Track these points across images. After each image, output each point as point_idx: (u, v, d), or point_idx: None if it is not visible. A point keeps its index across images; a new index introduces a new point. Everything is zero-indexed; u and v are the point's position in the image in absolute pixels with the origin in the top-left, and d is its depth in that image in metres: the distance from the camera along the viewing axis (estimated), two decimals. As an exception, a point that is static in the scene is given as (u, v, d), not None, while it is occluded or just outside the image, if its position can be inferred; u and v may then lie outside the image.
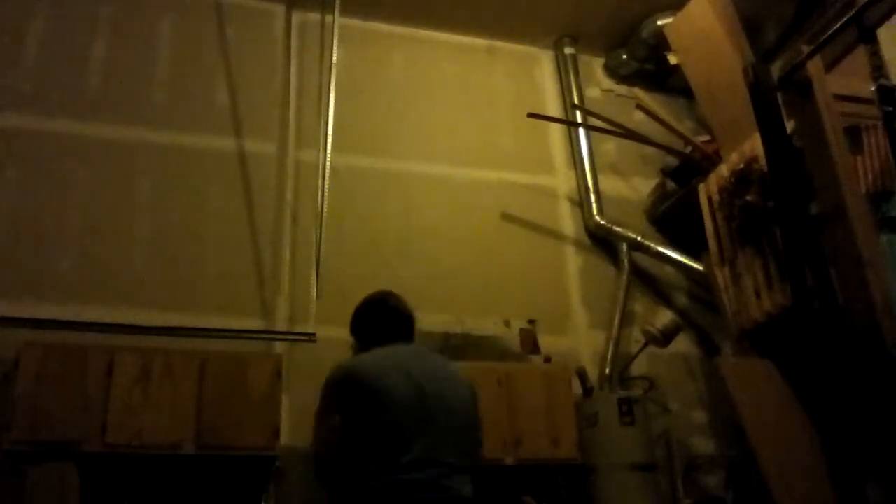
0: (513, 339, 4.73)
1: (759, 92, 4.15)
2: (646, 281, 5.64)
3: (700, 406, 5.34)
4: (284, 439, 4.18)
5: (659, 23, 5.76)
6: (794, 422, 4.09)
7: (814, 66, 4.02)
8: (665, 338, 4.92)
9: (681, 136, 5.51)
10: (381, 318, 3.11)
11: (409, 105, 5.71)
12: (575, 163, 5.85)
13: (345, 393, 2.81)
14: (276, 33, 5.61)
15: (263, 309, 4.79)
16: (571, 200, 5.78)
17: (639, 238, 5.52)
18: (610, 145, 5.99)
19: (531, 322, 4.90)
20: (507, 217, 5.54)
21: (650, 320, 5.17)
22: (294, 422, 4.32)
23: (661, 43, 5.75)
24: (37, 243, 4.55)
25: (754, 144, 4.39)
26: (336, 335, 4.69)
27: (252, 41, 5.51)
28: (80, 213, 4.71)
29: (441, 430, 2.69)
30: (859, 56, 3.91)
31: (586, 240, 5.66)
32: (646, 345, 5.01)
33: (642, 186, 5.94)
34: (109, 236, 4.70)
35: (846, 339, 3.72)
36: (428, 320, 4.58)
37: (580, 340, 5.30)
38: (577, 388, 4.80)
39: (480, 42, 6.13)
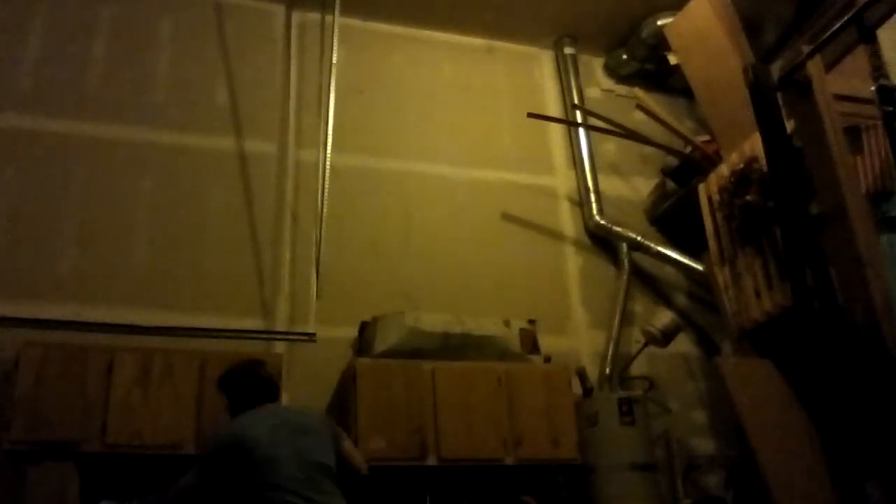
0: (513, 339, 4.72)
1: (759, 92, 4.15)
2: (646, 281, 5.64)
3: (700, 406, 5.34)
4: (284, 439, 4.16)
5: (659, 23, 5.77)
6: (794, 422, 4.09)
7: (814, 66, 4.02)
8: (665, 338, 4.92)
9: (681, 136, 5.51)
10: (254, 387, 3.43)
11: (409, 105, 5.71)
12: (575, 163, 5.86)
13: (230, 458, 3.10)
14: (276, 33, 5.61)
15: (263, 309, 4.80)
16: (571, 200, 5.78)
17: (639, 238, 5.52)
18: (610, 145, 5.99)
19: (531, 322, 4.90)
20: (507, 217, 5.54)
21: (650, 320, 5.17)
22: (294, 422, 4.32)
23: (661, 43, 5.76)
24: (37, 243, 4.55)
25: (754, 144, 4.39)
26: (336, 335, 4.72)
27: (252, 41, 5.52)
28: (80, 213, 4.71)
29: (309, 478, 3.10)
30: (859, 56, 3.91)
31: (586, 240, 5.67)
32: (646, 345, 5.01)
33: (642, 186, 5.94)
34: (109, 236, 4.70)
35: (846, 339, 3.72)
36: (428, 320, 4.57)
37: (580, 340, 5.31)
38: (577, 388, 4.80)
39: (480, 42, 6.14)
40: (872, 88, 3.70)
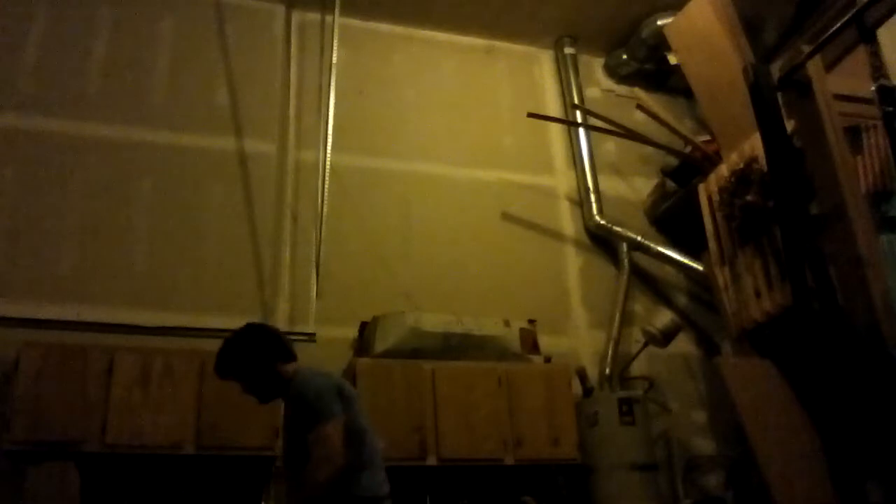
0: (513, 339, 4.72)
1: (759, 92, 4.15)
2: (646, 281, 5.64)
3: (700, 406, 5.34)
4: (284, 439, 4.17)
5: (659, 23, 5.77)
6: (794, 422, 4.09)
7: (814, 66, 4.02)
8: (665, 338, 4.92)
9: (681, 136, 5.51)
10: (282, 339, 3.12)
11: (409, 105, 5.71)
12: (575, 163, 5.85)
13: (343, 398, 2.88)
14: (276, 33, 5.61)
15: (263, 309, 4.79)
16: (571, 200, 5.78)
17: (639, 238, 5.52)
18: (610, 145, 5.99)
19: (531, 322, 4.90)
20: (507, 217, 5.54)
21: (650, 320, 5.17)
22: (294, 422, 4.32)
23: (661, 43, 5.76)
24: (37, 243, 4.55)
25: (754, 144, 4.39)
26: (336, 335, 4.72)
27: (252, 41, 5.52)
28: (79, 213, 4.71)
29: None
30: (859, 56, 3.91)
31: (586, 240, 5.67)
32: (646, 345, 5.01)
33: (642, 186, 5.94)
34: (109, 236, 4.70)
35: (846, 339, 3.72)
36: (428, 320, 4.57)
37: (580, 340, 5.31)
38: (577, 388, 4.80)
39: (480, 42, 6.14)
40: (872, 88, 3.70)
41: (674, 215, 5.59)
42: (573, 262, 5.59)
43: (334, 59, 4.94)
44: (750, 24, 5.20)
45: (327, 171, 4.76)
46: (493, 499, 4.42)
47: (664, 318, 5.04)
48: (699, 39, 5.12)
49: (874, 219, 4.00)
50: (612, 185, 5.87)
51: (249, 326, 3.13)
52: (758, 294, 4.40)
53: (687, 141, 5.46)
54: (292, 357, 3.05)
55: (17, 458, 3.75)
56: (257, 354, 2.98)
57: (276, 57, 5.53)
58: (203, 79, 5.30)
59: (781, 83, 4.15)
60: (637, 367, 5.19)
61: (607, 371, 5.04)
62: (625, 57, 6.19)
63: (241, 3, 5.60)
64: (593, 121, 5.76)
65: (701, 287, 5.48)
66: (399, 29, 5.94)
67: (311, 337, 4.55)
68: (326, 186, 4.72)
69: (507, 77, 6.09)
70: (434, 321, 4.58)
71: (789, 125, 4.18)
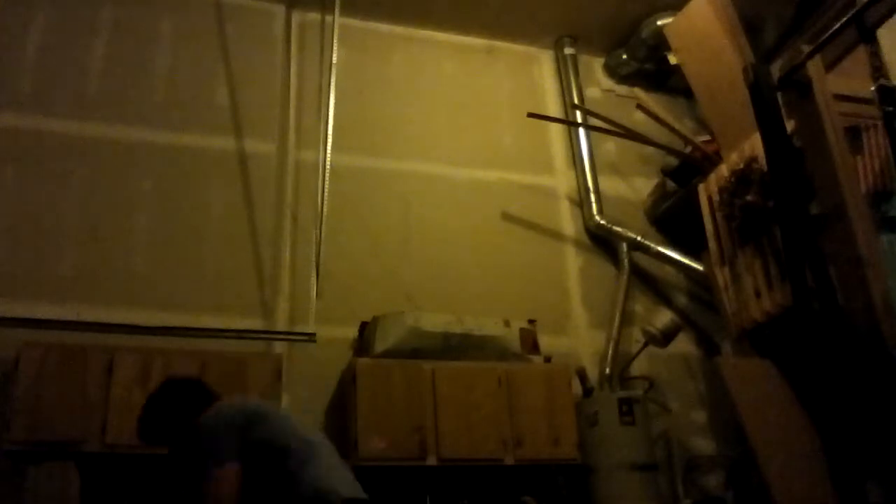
0: (513, 339, 4.72)
1: (759, 92, 4.15)
2: (646, 281, 5.64)
3: (700, 406, 5.34)
4: (284, 439, 4.16)
5: (659, 23, 5.77)
6: (794, 422, 4.09)
7: (814, 66, 4.02)
8: (665, 338, 4.92)
9: (681, 136, 5.51)
10: (201, 385, 3.08)
11: (409, 105, 5.71)
12: (575, 163, 5.85)
13: (249, 426, 2.77)
14: (276, 33, 5.61)
15: (263, 309, 4.79)
16: (571, 200, 5.78)
17: (639, 238, 5.52)
18: (610, 145, 5.99)
19: (531, 322, 4.90)
20: (507, 217, 5.54)
21: (650, 320, 5.17)
22: (294, 422, 4.31)
23: (661, 43, 5.76)
24: (37, 243, 4.55)
25: (754, 144, 4.40)
26: (336, 335, 4.72)
27: (252, 41, 5.52)
28: (79, 213, 4.71)
29: None
30: (859, 56, 3.91)
31: (586, 240, 5.67)
32: (646, 345, 5.01)
33: (642, 186, 5.94)
34: (109, 236, 4.70)
35: (846, 339, 3.72)
36: (428, 320, 4.57)
37: (580, 340, 5.31)
38: (577, 388, 4.80)
39: (480, 42, 6.14)
40: (872, 88, 3.70)
41: (674, 215, 5.59)
42: (573, 262, 5.59)
43: (334, 59, 4.94)
44: (750, 24, 5.21)
45: (327, 171, 4.76)
46: (493, 499, 4.42)
47: (664, 318, 5.03)
48: (699, 39, 5.12)
49: (874, 219, 3.99)
50: (612, 185, 5.87)
51: (164, 385, 3.08)
52: (758, 294, 4.40)
53: (687, 141, 5.46)
54: (214, 399, 2.97)
55: (17, 458, 3.75)
56: (180, 413, 2.93)
57: (276, 57, 5.53)
58: (203, 79, 5.30)
59: (781, 83, 4.15)
60: (637, 367, 5.19)
61: (607, 371, 5.04)
62: (625, 57, 6.19)
63: (241, 3, 5.60)
64: (593, 121, 5.75)
65: (701, 287, 5.48)
66: (399, 29, 5.94)
67: (311, 337, 4.54)
68: (326, 186, 4.72)
69: (507, 77, 6.09)
70: (434, 321, 4.58)
71: (789, 125, 4.18)
